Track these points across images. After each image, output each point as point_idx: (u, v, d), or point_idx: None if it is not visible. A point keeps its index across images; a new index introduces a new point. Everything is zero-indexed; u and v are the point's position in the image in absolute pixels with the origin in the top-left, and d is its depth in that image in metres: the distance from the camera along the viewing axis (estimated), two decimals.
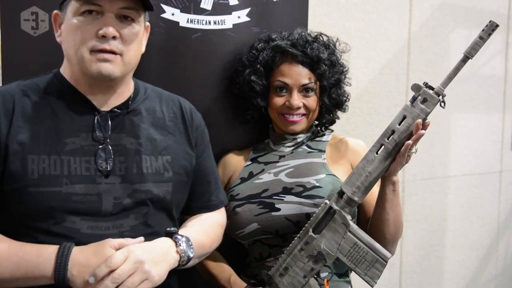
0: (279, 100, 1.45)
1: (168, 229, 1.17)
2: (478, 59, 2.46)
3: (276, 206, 1.37)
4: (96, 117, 1.14)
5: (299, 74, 1.43)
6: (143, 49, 1.21)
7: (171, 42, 1.48)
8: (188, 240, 1.16)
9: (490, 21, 1.17)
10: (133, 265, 1.04)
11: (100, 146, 1.12)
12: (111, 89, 1.16)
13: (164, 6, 1.46)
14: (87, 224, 1.08)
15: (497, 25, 1.16)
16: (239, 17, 1.56)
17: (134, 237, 1.11)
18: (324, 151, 1.48)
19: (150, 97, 1.25)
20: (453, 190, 2.47)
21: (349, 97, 1.56)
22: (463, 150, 2.48)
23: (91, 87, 1.14)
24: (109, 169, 1.12)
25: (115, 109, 1.16)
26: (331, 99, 1.48)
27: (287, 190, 1.39)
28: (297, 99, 1.43)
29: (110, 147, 1.13)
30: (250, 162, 1.52)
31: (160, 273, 1.08)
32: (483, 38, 1.17)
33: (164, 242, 1.14)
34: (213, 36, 1.53)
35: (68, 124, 1.12)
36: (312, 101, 1.45)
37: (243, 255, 1.50)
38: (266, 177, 1.45)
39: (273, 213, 1.36)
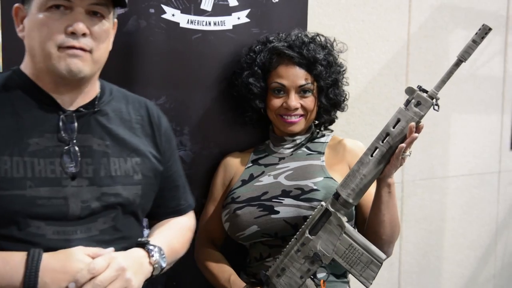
0: (277, 102, 1.45)
1: (139, 239, 1.13)
2: (476, 60, 2.46)
3: (275, 209, 1.37)
4: (61, 117, 1.07)
5: (296, 76, 1.43)
6: (110, 47, 1.15)
7: (172, 43, 1.48)
8: (160, 250, 1.13)
9: (483, 25, 1.17)
10: (115, 272, 1.00)
11: (66, 147, 1.06)
12: (78, 88, 1.09)
13: (164, 7, 1.46)
14: (53, 229, 1.02)
15: (490, 29, 1.17)
16: (239, 18, 1.56)
17: (103, 241, 1.07)
18: (323, 153, 1.48)
19: (116, 98, 1.19)
20: (452, 190, 2.47)
21: (347, 96, 1.55)
22: (462, 150, 2.48)
23: (57, 85, 1.07)
24: (75, 171, 1.05)
25: (81, 109, 1.10)
26: (329, 99, 1.47)
27: (286, 193, 1.39)
28: (294, 100, 1.42)
29: (77, 148, 1.07)
30: (251, 164, 1.52)
31: (138, 282, 1.05)
32: (476, 42, 1.18)
33: (137, 253, 1.10)
34: (213, 37, 1.53)
35: (31, 123, 1.04)
36: (309, 101, 1.44)
37: (243, 254, 1.51)
38: (266, 179, 1.45)
39: (272, 216, 1.36)
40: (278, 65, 1.45)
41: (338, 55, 1.53)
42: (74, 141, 1.07)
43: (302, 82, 1.43)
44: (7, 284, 0.96)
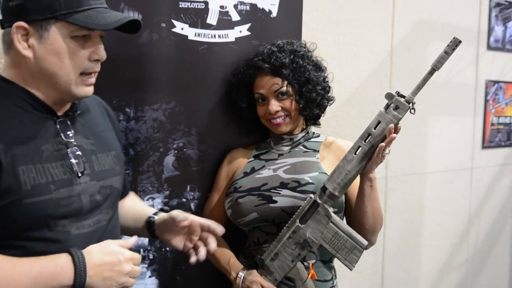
0: (261, 109, 1.46)
1: (173, 211, 1.19)
2: (452, 69, 2.45)
3: (274, 198, 1.36)
4: (57, 122, 1.03)
5: (270, 83, 1.43)
6: None
7: (181, 54, 1.48)
8: None
9: (454, 38, 1.17)
10: None
11: (68, 149, 1.03)
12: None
13: (174, 22, 1.46)
14: (74, 225, 1.01)
15: (460, 41, 1.16)
16: (240, 31, 1.55)
17: (110, 229, 1.09)
18: (318, 151, 1.48)
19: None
20: (430, 185, 2.46)
21: (326, 89, 1.49)
22: (439, 149, 2.47)
23: (56, 98, 1.03)
24: (80, 169, 1.03)
25: (69, 113, 1.06)
26: (304, 96, 1.44)
27: (283, 185, 1.38)
28: (273, 105, 1.42)
29: (77, 149, 1.04)
30: (253, 159, 1.52)
31: None
32: (448, 53, 1.17)
33: None
34: (218, 48, 1.52)
35: (37, 131, 1.00)
36: (287, 102, 1.43)
37: (243, 239, 1.51)
38: (266, 172, 1.44)
39: (271, 205, 1.36)
40: (255, 78, 1.46)
41: (311, 55, 1.48)
42: (74, 142, 1.04)
43: (276, 87, 1.42)
44: (59, 284, 0.94)
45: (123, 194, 1.26)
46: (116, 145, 1.19)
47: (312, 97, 1.44)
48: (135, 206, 1.28)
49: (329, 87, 1.51)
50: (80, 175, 1.03)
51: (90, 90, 1.04)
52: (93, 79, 1.03)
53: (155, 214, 1.24)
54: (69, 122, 1.05)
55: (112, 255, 1.00)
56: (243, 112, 1.51)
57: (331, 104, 1.53)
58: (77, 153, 1.04)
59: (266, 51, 1.46)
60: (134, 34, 1.08)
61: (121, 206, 1.24)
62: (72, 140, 1.04)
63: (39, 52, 0.97)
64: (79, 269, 0.95)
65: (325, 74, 1.51)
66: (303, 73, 1.43)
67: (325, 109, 1.52)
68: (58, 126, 1.03)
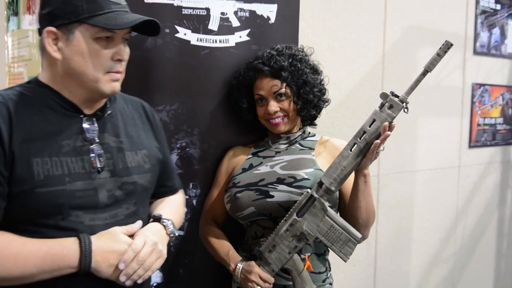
0: (261, 110, 1.46)
1: (154, 214, 1.15)
2: (440, 73, 2.46)
3: (271, 193, 1.37)
4: (83, 120, 1.06)
5: (269, 85, 1.43)
6: None
7: (184, 58, 1.48)
8: (172, 222, 1.15)
9: (446, 41, 1.16)
10: (151, 247, 1.04)
11: (91, 146, 1.05)
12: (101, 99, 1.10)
13: (177, 27, 1.46)
14: (88, 216, 1.02)
15: (451, 44, 1.16)
16: (240, 36, 1.56)
17: (128, 224, 1.08)
18: (314, 149, 1.48)
19: (118, 100, 1.17)
20: (419, 182, 2.47)
21: (323, 91, 1.49)
22: (428, 148, 2.48)
23: (88, 98, 1.06)
24: (100, 165, 1.05)
25: (98, 112, 1.09)
26: (301, 98, 1.44)
27: (280, 181, 1.38)
28: (273, 106, 1.42)
29: (99, 146, 1.06)
30: (251, 156, 1.52)
31: (165, 251, 1.09)
32: (440, 55, 1.17)
33: (157, 227, 1.12)
34: (219, 53, 1.53)
35: (60, 127, 1.03)
36: (286, 103, 1.44)
37: (241, 233, 1.51)
38: (263, 168, 1.45)
39: (268, 199, 1.36)
40: (256, 80, 1.45)
41: (308, 58, 1.48)
42: (97, 140, 1.07)
43: (275, 89, 1.43)
44: (65, 264, 0.97)
45: (163, 193, 1.27)
46: (150, 144, 1.19)
47: (309, 99, 1.44)
48: (158, 208, 1.25)
49: (325, 89, 1.52)
50: (100, 170, 1.05)
51: (116, 85, 1.06)
52: (118, 75, 1.05)
53: (158, 220, 1.19)
54: (95, 120, 1.07)
55: (121, 244, 1.01)
56: (243, 112, 1.51)
57: (326, 106, 1.54)
58: (100, 150, 1.06)
59: (266, 55, 1.46)
60: (155, 36, 1.11)
61: (155, 204, 1.25)
62: (96, 137, 1.06)
63: (66, 53, 1.01)
64: (85, 252, 0.97)
65: (322, 77, 1.51)
66: (301, 76, 1.43)
67: (321, 110, 1.52)
68: (83, 124, 1.06)
